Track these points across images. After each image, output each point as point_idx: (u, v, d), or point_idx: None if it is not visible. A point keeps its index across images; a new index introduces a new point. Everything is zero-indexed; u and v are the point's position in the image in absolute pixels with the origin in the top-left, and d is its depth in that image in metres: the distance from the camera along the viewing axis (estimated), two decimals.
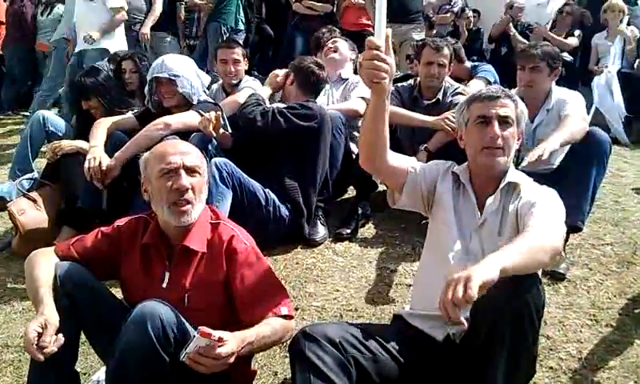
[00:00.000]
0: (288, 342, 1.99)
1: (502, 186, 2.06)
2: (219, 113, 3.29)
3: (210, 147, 3.27)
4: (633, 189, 4.24)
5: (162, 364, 1.81)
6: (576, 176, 3.01)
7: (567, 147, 3.18)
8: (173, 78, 3.43)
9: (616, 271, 3.09)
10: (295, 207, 3.35)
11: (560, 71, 3.52)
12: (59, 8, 7.43)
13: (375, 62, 1.77)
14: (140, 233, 2.10)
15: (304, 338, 1.86)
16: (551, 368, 2.39)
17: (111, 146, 3.35)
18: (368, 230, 3.63)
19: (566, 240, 3.16)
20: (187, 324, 1.89)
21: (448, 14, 7.49)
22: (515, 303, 1.69)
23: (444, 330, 1.97)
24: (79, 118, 4.04)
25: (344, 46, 4.27)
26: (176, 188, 1.97)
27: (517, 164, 2.44)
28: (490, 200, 2.05)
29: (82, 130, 3.77)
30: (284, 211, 3.31)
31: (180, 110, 3.45)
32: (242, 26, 6.33)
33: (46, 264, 2.00)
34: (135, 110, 3.74)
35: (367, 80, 1.83)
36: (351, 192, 4.01)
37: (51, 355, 1.79)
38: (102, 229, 2.15)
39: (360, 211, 3.65)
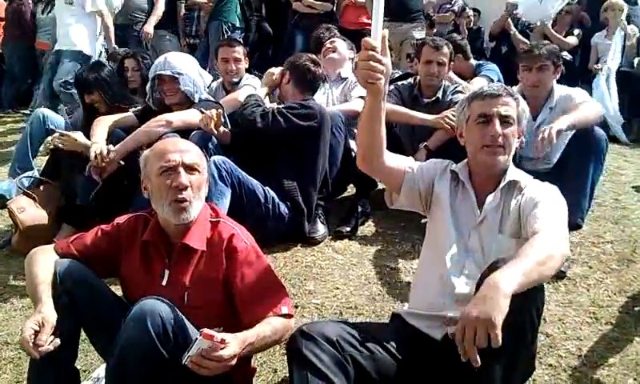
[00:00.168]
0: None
1: (502, 184, 2.05)
2: (220, 111, 3.29)
3: (210, 145, 3.27)
4: (633, 187, 4.24)
5: (161, 361, 1.81)
6: (574, 174, 3.02)
7: (565, 142, 3.17)
8: (176, 75, 3.43)
9: (616, 269, 3.10)
10: (295, 206, 3.35)
11: (562, 69, 3.52)
12: None
13: (371, 62, 1.76)
14: (140, 230, 2.10)
15: (301, 336, 1.86)
16: (551, 365, 2.40)
17: (111, 144, 3.34)
18: (368, 228, 3.63)
19: None
20: (187, 322, 1.89)
21: (448, 13, 7.49)
22: (515, 302, 1.69)
23: (442, 329, 1.97)
24: (84, 113, 4.06)
25: (342, 46, 4.28)
26: (175, 185, 1.97)
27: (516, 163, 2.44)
28: (490, 197, 2.05)
29: (87, 125, 3.77)
30: (283, 209, 3.31)
31: (181, 108, 3.45)
32: (238, 24, 6.34)
33: (45, 261, 2.00)
34: (138, 107, 3.74)
35: (362, 80, 1.83)
36: (351, 190, 4.01)
37: (51, 353, 1.79)
38: (102, 226, 2.14)
39: (360, 209, 3.65)
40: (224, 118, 3.40)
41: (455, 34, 5.28)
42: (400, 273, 3.11)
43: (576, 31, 6.71)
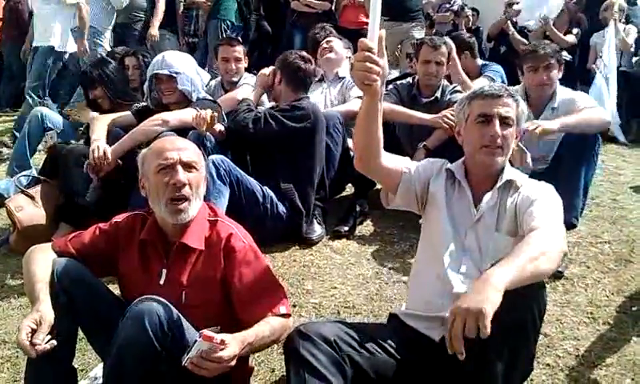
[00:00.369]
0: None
1: (499, 184, 2.05)
2: (214, 113, 3.29)
3: (208, 144, 3.27)
4: (631, 187, 4.24)
5: (159, 360, 1.81)
6: (567, 173, 3.02)
7: (557, 143, 3.17)
8: (173, 74, 3.42)
9: (614, 269, 3.10)
10: (293, 207, 3.35)
11: (563, 66, 3.52)
12: None
13: (367, 63, 1.76)
14: (138, 229, 2.10)
15: (299, 336, 1.86)
16: (548, 365, 2.40)
17: (109, 143, 3.35)
18: (366, 228, 3.64)
19: None
20: (185, 321, 1.89)
21: (448, 13, 7.49)
22: (520, 307, 1.69)
23: (440, 330, 1.97)
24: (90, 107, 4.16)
25: (339, 45, 4.28)
26: (173, 183, 1.97)
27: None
28: (487, 196, 2.05)
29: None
30: (282, 209, 3.31)
31: (178, 107, 3.45)
32: (237, 22, 6.34)
33: (43, 260, 2.00)
34: (137, 106, 3.75)
35: (359, 82, 1.82)
36: (349, 190, 4.02)
37: (48, 352, 1.79)
38: (100, 225, 2.14)
39: (358, 209, 3.65)
40: (222, 116, 3.40)
41: (464, 32, 5.28)
42: (398, 272, 3.11)
43: (575, 30, 6.71)
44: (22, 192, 3.57)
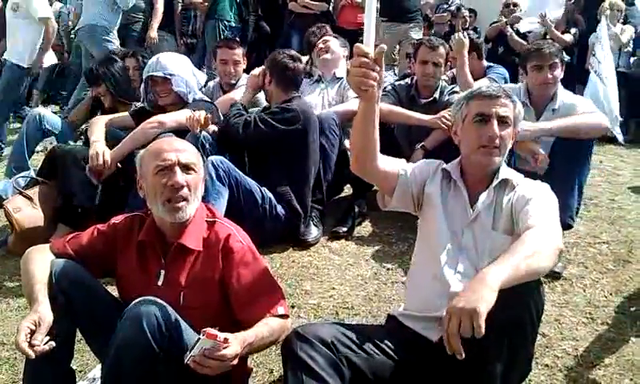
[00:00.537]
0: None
1: (495, 183, 2.05)
2: (208, 115, 3.29)
3: (207, 145, 3.27)
4: (629, 187, 4.25)
5: (157, 361, 1.81)
6: (561, 173, 3.00)
7: (551, 142, 3.16)
8: (168, 76, 3.43)
9: (612, 269, 3.10)
10: (291, 209, 3.34)
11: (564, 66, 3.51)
12: (56, 5, 7.43)
13: (363, 69, 1.76)
14: (136, 230, 2.09)
15: (296, 338, 1.85)
16: (547, 366, 2.40)
17: (107, 143, 3.35)
18: (364, 229, 3.64)
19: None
20: (183, 322, 1.89)
21: (445, 13, 7.51)
22: (517, 306, 1.69)
23: (438, 330, 1.97)
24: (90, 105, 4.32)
25: (335, 44, 4.22)
26: (171, 184, 1.96)
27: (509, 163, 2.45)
28: (483, 195, 2.05)
29: (90, 116, 4.02)
30: (280, 210, 3.31)
31: (175, 109, 3.45)
32: (234, 23, 6.33)
33: (41, 261, 2.00)
34: (137, 107, 3.76)
35: (355, 87, 1.82)
36: (348, 190, 4.01)
37: (46, 353, 1.78)
38: (98, 226, 2.14)
39: (356, 209, 3.65)
40: (218, 117, 3.40)
41: (472, 32, 5.29)
42: (396, 273, 3.11)
43: (572, 30, 6.72)
44: (20, 193, 3.57)
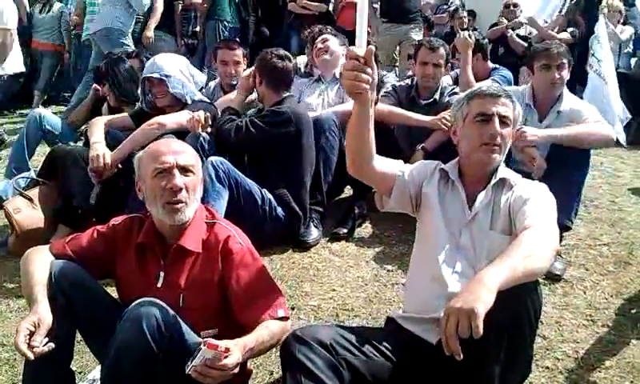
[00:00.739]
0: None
1: (493, 182, 2.06)
2: (207, 114, 3.29)
3: (206, 146, 3.26)
4: (629, 189, 4.25)
5: (157, 363, 1.81)
6: (559, 174, 3.00)
7: (548, 145, 3.15)
8: (163, 78, 3.42)
9: (612, 271, 3.10)
10: (291, 211, 3.34)
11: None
12: (57, 5, 7.44)
13: (355, 72, 1.76)
14: (135, 232, 2.09)
15: (295, 340, 1.85)
16: (547, 368, 2.39)
17: (107, 144, 3.35)
18: (364, 230, 3.63)
19: (561, 240, 3.16)
20: (183, 323, 1.89)
21: (445, 15, 7.52)
22: (515, 306, 1.69)
23: (437, 332, 1.96)
24: (93, 101, 4.44)
25: (334, 43, 4.17)
26: (170, 187, 1.96)
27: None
28: (480, 195, 2.05)
29: (92, 114, 4.11)
30: (280, 211, 3.31)
31: (174, 110, 3.45)
32: (234, 23, 6.33)
33: (41, 262, 1.99)
34: (135, 108, 3.77)
35: (348, 90, 1.83)
36: (348, 192, 4.01)
37: (46, 354, 1.78)
38: (98, 227, 2.14)
39: (357, 211, 3.64)
40: (215, 119, 3.40)
41: (477, 33, 5.28)
42: (397, 275, 3.11)
43: (570, 29, 6.72)
44: (21, 194, 3.57)
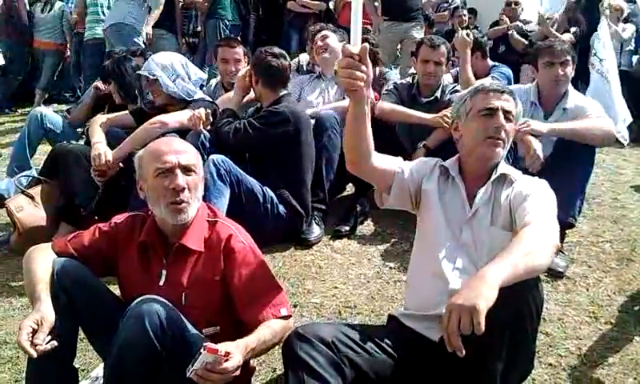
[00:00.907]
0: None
1: (493, 177, 2.06)
2: (208, 111, 3.29)
3: (207, 144, 3.26)
4: (632, 186, 4.24)
5: (160, 360, 1.81)
6: (563, 172, 3.00)
7: (552, 142, 3.15)
8: (152, 77, 3.43)
9: (615, 268, 3.10)
10: (292, 209, 3.34)
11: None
12: (58, 4, 7.44)
13: (350, 70, 1.76)
14: (137, 230, 2.09)
15: (297, 338, 1.85)
16: (550, 365, 2.39)
17: (107, 142, 3.35)
18: (367, 227, 3.63)
19: (564, 237, 3.16)
20: (185, 320, 1.89)
21: (445, 13, 7.52)
22: (516, 303, 1.69)
23: (439, 329, 1.96)
24: (94, 98, 4.46)
25: (334, 40, 4.14)
26: (172, 188, 1.96)
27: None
28: (481, 191, 2.05)
29: (94, 112, 4.17)
30: (282, 209, 3.30)
31: (174, 109, 3.45)
32: (235, 21, 6.33)
33: (43, 260, 1.99)
34: (135, 107, 3.76)
35: (343, 88, 1.82)
36: (350, 189, 4.01)
37: (49, 352, 1.78)
38: (100, 226, 2.13)
39: (359, 208, 3.64)
40: (216, 116, 3.40)
41: (475, 31, 5.28)
42: (399, 272, 3.11)
43: (572, 29, 6.72)
44: (23, 192, 3.57)
